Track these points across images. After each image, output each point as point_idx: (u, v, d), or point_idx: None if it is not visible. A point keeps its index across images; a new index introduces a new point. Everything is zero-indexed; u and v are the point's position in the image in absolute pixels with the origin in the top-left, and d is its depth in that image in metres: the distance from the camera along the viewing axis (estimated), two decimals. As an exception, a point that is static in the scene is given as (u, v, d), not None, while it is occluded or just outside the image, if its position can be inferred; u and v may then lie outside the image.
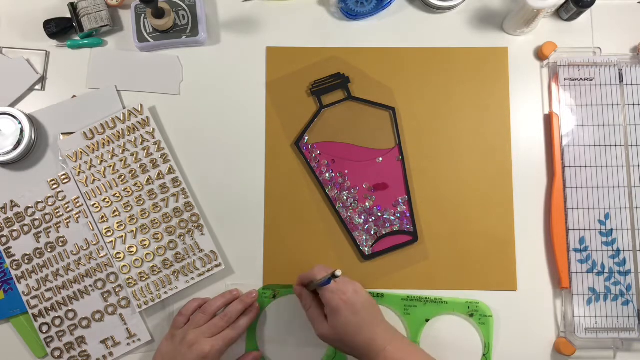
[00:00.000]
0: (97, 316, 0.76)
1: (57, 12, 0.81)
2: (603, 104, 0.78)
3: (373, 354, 0.64)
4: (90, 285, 0.76)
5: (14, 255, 0.76)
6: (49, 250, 0.76)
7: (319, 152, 0.78)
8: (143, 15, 0.80)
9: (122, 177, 0.77)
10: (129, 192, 0.77)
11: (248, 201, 0.78)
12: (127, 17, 0.82)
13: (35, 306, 0.75)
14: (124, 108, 0.79)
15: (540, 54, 0.80)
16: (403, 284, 0.76)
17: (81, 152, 0.77)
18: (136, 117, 0.78)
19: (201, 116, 0.80)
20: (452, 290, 0.76)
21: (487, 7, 0.82)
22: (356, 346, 0.65)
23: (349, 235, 0.77)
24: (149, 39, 0.79)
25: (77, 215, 0.77)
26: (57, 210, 0.77)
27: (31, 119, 0.78)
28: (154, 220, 0.77)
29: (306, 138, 0.79)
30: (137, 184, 0.77)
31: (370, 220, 0.77)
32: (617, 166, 0.76)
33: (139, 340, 0.76)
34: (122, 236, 0.76)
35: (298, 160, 0.79)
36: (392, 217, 0.77)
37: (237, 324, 0.72)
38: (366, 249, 0.77)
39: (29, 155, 0.78)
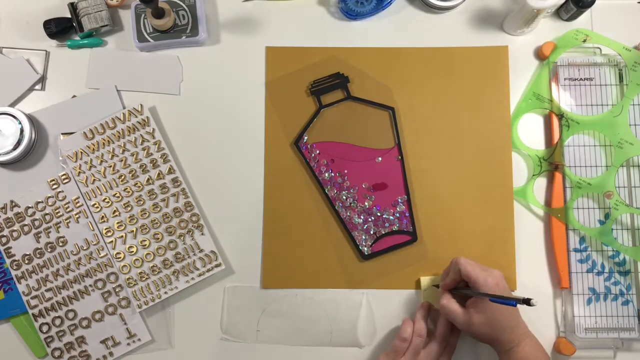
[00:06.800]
0: (97, 316, 0.76)
1: (57, 12, 0.81)
2: (603, 104, 0.78)
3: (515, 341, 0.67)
4: (90, 285, 0.76)
5: (14, 255, 0.76)
6: (49, 250, 0.76)
7: (318, 151, 0.78)
8: (143, 15, 0.80)
9: (122, 177, 0.77)
10: (129, 192, 0.77)
11: (248, 201, 0.78)
12: (127, 17, 0.82)
13: (35, 306, 0.75)
14: (124, 108, 0.79)
15: (540, 54, 0.80)
16: (402, 284, 0.76)
17: (81, 152, 0.77)
18: (136, 117, 0.78)
19: (201, 116, 0.80)
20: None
21: (487, 7, 0.82)
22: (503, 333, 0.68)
23: (348, 235, 0.77)
24: (149, 39, 0.79)
25: (77, 215, 0.77)
26: (57, 210, 0.77)
27: (31, 119, 0.78)
28: (154, 220, 0.77)
29: (305, 138, 0.79)
30: (137, 184, 0.77)
31: (370, 220, 0.77)
32: (617, 166, 0.76)
33: (139, 340, 0.76)
34: (122, 236, 0.76)
35: (297, 160, 0.79)
36: (391, 217, 0.77)
37: (450, 345, 0.73)
38: (365, 248, 0.77)
39: (29, 155, 0.79)
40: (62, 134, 0.79)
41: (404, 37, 0.81)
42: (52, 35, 0.80)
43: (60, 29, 0.80)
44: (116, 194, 0.77)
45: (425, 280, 0.76)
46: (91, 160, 0.77)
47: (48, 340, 0.75)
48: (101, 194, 0.77)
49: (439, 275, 0.76)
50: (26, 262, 0.76)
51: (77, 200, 0.77)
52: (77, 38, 0.81)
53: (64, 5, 0.80)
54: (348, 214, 0.77)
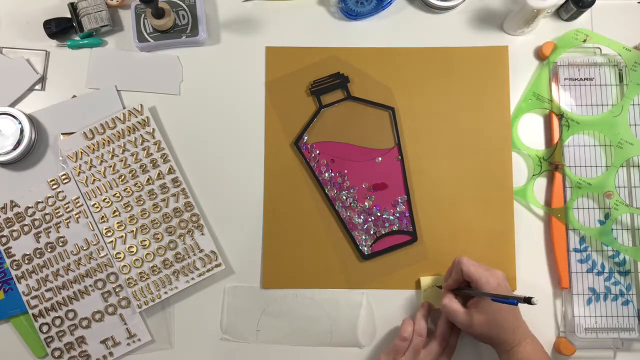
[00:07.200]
0: (97, 316, 0.76)
1: (57, 12, 0.81)
2: (603, 104, 0.78)
3: (516, 341, 0.68)
4: (90, 285, 0.76)
5: (14, 255, 0.76)
6: (49, 250, 0.76)
7: (318, 151, 0.78)
8: (143, 15, 0.80)
9: (122, 177, 0.77)
10: (129, 192, 0.77)
11: (248, 201, 0.78)
12: (127, 17, 0.82)
13: (35, 306, 0.75)
14: (124, 108, 0.79)
15: (540, 54, 0.80)
16: (402, 284, 0.76)
17: (81, 152, 0.77)
18: (136, 117, 0.78)
19: (201, 116, 0.80)
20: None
21: (487, 7, 0.82)
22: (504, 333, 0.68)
23: (348, 235, 0.77)
24: (149, 39, 0.79)
25: (77, 215, 0.77)
26: (57, 210, 0.77)
27: (31, 119, 0.78)
28: (154, 220, 0.77)
29: (305, 138, 0.79)
30: (137, 184, 0.77)
31: (370, 220, 0.77)
32: (617, 166, 0.76)
33: (139, 340, 0.76)
34: (122, 236, 0.76)
35: (297, 160, 0.79)
36: (391, 217, 0.77)
37: (450, 345, 0.73)
38: (365, 248, 0.77)
39: (29, 155, 0.79)
40: (62, 134, 0.79)
41: (404, 37, 0.81)
42: (52, 35, 0.80)
43: (60, 29, 0.80)
44: (116, 194, 0.77)
45: (425, 280, 0.76)
46: (91, 160, 0.77)
47: (48, 340, 0.75)
48: (101, 194, 0.77)
49: (439, 275, 0.76)
50: (26, 262, 0.76)
51: (77, 200, 0.77)
52: (77, 38, 0.81)
53: (64, 5, 0.80)
54: (348, 214, 0.77)
